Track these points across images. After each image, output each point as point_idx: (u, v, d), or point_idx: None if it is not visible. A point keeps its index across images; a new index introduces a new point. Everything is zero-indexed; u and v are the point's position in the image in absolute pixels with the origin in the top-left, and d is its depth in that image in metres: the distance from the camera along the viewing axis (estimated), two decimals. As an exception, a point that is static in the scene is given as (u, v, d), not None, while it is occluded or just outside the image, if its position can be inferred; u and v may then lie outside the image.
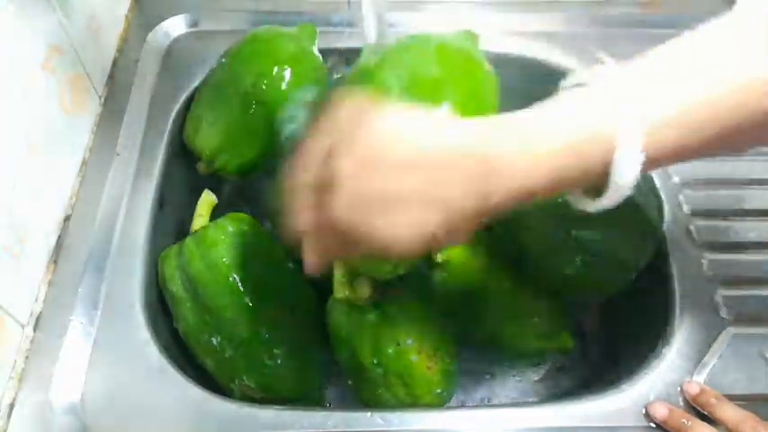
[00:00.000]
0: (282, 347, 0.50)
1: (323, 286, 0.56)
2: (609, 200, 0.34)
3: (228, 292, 0.50)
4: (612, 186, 0.33)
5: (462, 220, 0.32)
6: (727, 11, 0.35)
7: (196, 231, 0.54)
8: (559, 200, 0.48)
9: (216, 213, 0.58)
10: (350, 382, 0.52)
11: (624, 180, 0.32)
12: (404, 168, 0.31)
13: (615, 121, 0.31)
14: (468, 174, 0.31)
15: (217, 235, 0.52)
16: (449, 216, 0.32)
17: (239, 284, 0.50)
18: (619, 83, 0.33)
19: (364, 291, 0.47)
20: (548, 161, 0.32)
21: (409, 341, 0.47)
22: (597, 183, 0.33)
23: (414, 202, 0.31)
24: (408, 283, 0.49)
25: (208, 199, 0.57)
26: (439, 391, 0.49)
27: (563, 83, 0.37)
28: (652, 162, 0.32)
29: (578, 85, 0.35)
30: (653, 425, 0.45)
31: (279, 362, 0.49)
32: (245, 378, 0.50)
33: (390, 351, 0.46)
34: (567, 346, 0.55)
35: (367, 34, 0.52)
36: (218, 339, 0.50)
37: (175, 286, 0.52)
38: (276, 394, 0.50)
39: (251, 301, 0.50)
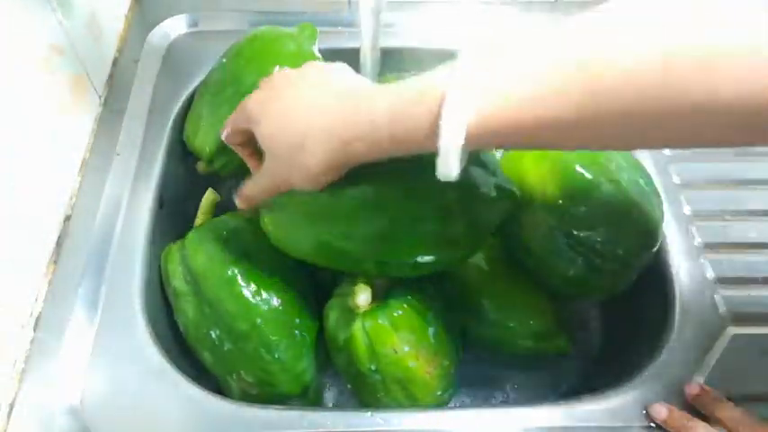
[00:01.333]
0: (281, 342, 0.50)
1: (323, 285, 0.56)
2: (442, 165, 0.34)
3: (228, 285, 0.50)
4: (441, 149, 0.34)
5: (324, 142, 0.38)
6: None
7: (198, 226, 0.54)
8: (560, 201, 0.48)
9: (216, 214, 0.58)
10: (348, 386, 0.52)
11: (449, 143, 0.33)
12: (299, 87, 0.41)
13: (445, 82, 0.33)
14: (341, 107, 0.38)
15: (218, 230, 0.53)
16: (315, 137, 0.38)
17: (239, 277, 0.50)
18: (467, 57, 0.34)
19: (362, 297, 0.47)
20: (388, 118, 0.36)
21: (406, 348, 0.46)
22: (430, 145, 0.34)
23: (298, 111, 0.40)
24: (406, 288, 0.49)
25: (211, 197, 0.58)
26: (439, 393, 0.49)
27: None
28: (479, 133, 0.33)
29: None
30: (653, 425, 0.45)
31: (277, 356, 0.49)
32: (242, 373, 0.50)
33: (387, 358, 0.46)
34: (564, 349, 0.55)
35: (363, 35, 0.52)
36: (217, 333, 0.50)
37: (177, 280, 0.52)
38: (274, 390, 0.50)
39: (250, 295, 0.50)
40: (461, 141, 0.33)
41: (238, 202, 0.47)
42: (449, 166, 0.34)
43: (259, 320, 0.49)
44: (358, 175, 0.41)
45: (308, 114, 0.39)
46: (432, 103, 0.33)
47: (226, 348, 0.50)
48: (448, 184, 0.36)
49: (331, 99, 0.38)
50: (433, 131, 0.33)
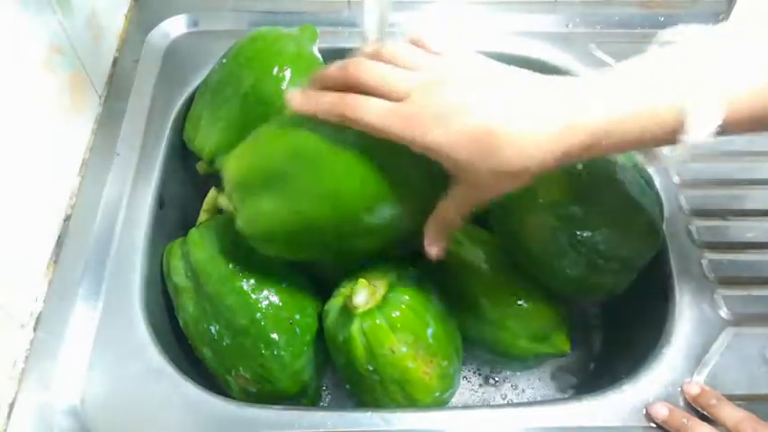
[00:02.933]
0: (280, 338, 0.50)
1: (323, 285, 0.56)
2: (680, 153, 0.35)
3: (228, 281, 0.50)
4: (683, 146, 0.34)
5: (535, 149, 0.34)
6: (727, 10, 0.36)
7: (200, 223, 0.55)
8: (562, 201, 0.48)
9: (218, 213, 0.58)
10: (348, 387, 0.52)
11: (696, 141, 0.34)
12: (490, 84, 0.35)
13: (691, 88, 0.33)
14: (554, 101, 0.34)
15: (220, 227, 0.53)
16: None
17: (239, 273, 0.51)
18: (701, 49, 0.34)
19: (360, 297, 0.47)
20: (624, 116, 0.34)
21: (404, 348, 0.46)
22: (668, 143, 0.35)
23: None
24: (405, 289, 0.49)
25: (214, 195, 0.58)
26: (438, 394, 0.49)
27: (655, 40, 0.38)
28: (725, 130, 0.34)
29: (666, 43, 0.36)
30: (653, 425, 0.45)
31: (275, 352, 0.49)
32: (241, 369, 0.50)
33: (385, 359, 0.46)
34: (563, 349, 0.55)
35: (367, 34, 0.52)
36: (217, 328, 0.50)
37: (178, 276, 0.53)
38: (272, 387, 0.50)
39: (250, 291, 0.50)
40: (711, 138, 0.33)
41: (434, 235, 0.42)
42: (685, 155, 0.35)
43: (258, 315, 0.50)
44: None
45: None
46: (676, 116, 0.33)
47: (225, 344, 0.50)
48: None
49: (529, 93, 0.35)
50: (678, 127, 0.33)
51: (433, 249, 0.42)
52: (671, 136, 0.34)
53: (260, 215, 0.46)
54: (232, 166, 0.47)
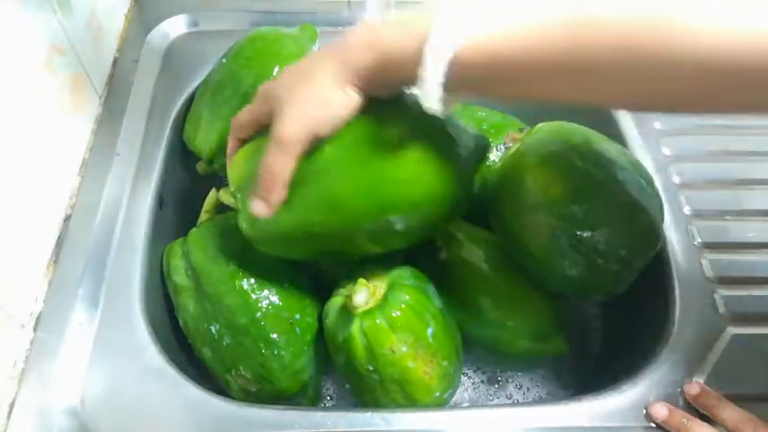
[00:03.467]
0: (280, 337, 0.50)
1: (324, 285, 0.56)
2: (425, 97, 0.37)
3: (229, 280, 0.50)
4: (423, 81, 0.36)
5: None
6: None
7: (201, 223, 0.55)
8: (562, 201, 0.48)
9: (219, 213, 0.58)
10: (347, 386, 0.52)
11: (430, 75, 0.35)
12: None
13: (432, 18, 0.35)
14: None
15: (221, 226, 0.54)
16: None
17: (239, 272, 0.51)
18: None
19: (360, 297, 0.47)
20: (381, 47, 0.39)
21: (404, 348, 0.46)
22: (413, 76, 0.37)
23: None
24: (405, 289, 0.49)
25: (215, 196, 0.59)
26: (438, 394, 0.49)
27: None
28: (465, 63, 0.35)
29: None
30: (653, 425, 0.45)
31: (275, 352, 0.49)
32: (241, 368, 0.50)
33: (385, 359, 0.46)
34: (562, 349, 0.55)
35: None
36: (217, 327, 0.50)
37: (178, 276, 0.53)
38: (272, 387, 0.50)
39: (250, 290, 0.50)
40: (444, 68, 0.35)
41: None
42: (431, 97, 0.36)
43: (258, 315, 0.50)
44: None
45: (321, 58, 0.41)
46: (419, 30, 0.36)
47: (225, 343, 0.50)
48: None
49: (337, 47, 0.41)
50: (418, 59, 0.35)
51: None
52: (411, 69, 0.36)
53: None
54: (237, 166, 0.47)
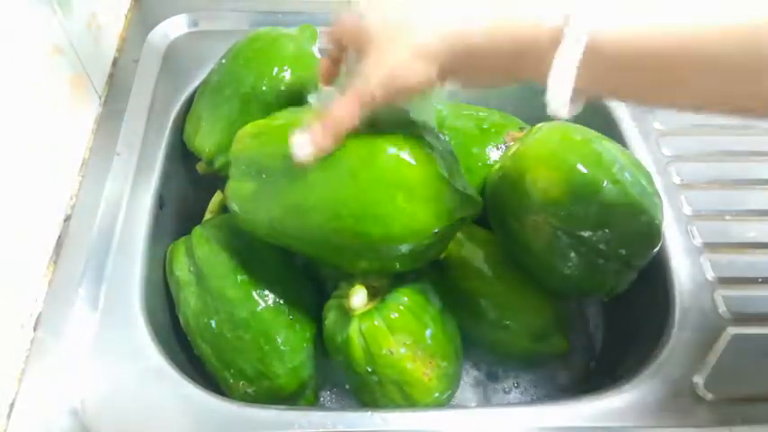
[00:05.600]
0: (280, 332, 0.50)
1: (324, 286, 0.56)
2: (552, 97, 0.34)
3: (231, 274, 0.51)
4: (554, 73, 0.33)
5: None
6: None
7: (205, 221, 0.56)
8: (563, 201, 0.48)
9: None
10: (347, 386, 0.52)
11: (564, 64, 0.33)
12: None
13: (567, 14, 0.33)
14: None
15: (225, 224, 0.55)
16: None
17: (241, 268, 0.51)
18: None
19: (357, 299, 0.47)
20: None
21: (403, 350, 0.46)
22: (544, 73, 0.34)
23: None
24: (403, 289, 0.49)
25: (219, 198, 0.60)
26: (437, 395, 0.49)
27: None
28: (600, 59, 0.32)
29: None
30: (653, 425, 0.45)
31: (275, 347, 0.50)
32: (240, 363, 0.50)
33: (384, 360, 0.46)
34: (562, 349, 0.55)
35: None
36: (217, 321, 0.51)
37: (181, 272, 0.53)
38: (270, 384, 0.50)
39: (252, 285, 0.51)
40: (579, 54, 0.32)
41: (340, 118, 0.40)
42: (559, 90, 0.34)
43: (259, 309, 0.50)
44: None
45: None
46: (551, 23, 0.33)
47: (225, 338, 0.50)
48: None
49: None
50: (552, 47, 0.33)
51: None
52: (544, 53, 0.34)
53: (242, 194, 0.47)
54: (241, 140, 0.48)
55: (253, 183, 0.47)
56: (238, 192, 0.48)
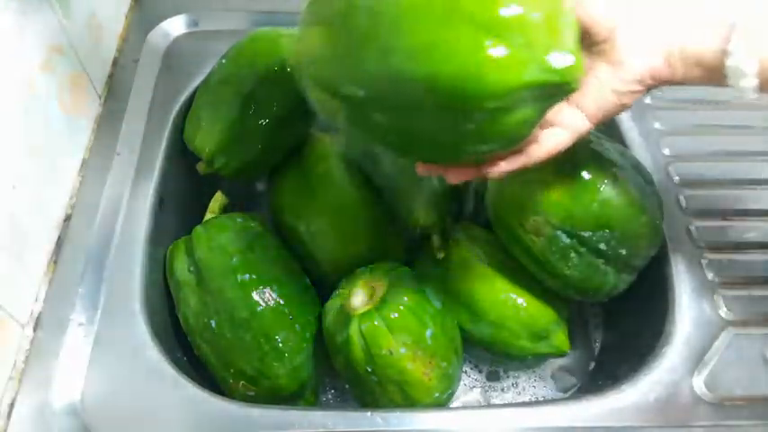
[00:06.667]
0: (280, 332, 0.50)
1: (323, 286, 0.56)
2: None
3: (231, 274, 0.51)
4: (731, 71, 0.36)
5: None
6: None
7: (206, 221, 0.56)
8: (563, 202, 0.48)
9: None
10: (347, 386, 0.52)
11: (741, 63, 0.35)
12: None
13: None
14: None
15: (224, 223, 0.55)
16: None
17: (241, 267, 0.51)
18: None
19: (357, 299, 0.47)
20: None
21: (402, 350, 0.46)
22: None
23: None
24: (403, 290, 0.49)
25: (220, 198, 0.60)
26: (437, 395, 0.49)
27: None
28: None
29: None
30: (653, 425, 0.45)
31: (275, 347, 0.50)
32: (240, 363, 0.50)
33: (383, 360, 0.46)
34: (562, 349, 0.55)
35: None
36: (217, 321, 0.51)
37: (181, 271, 0.53)
38: (270, 384, 0.50)
39: (252, 285, 0.51)
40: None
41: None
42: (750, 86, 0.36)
43: (259, 309, 0.50)
44: None
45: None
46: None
47: (225, 338, 0.50)
48: None
49: None
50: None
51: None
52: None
53: (307, 41, 0.39)
54: (310, 41, 0.39)
55: (321, 29, 0.38)
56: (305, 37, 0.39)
